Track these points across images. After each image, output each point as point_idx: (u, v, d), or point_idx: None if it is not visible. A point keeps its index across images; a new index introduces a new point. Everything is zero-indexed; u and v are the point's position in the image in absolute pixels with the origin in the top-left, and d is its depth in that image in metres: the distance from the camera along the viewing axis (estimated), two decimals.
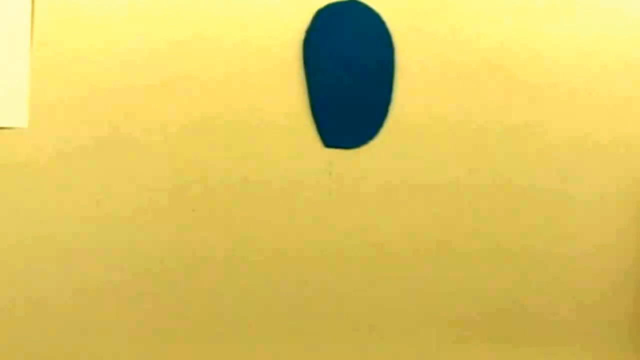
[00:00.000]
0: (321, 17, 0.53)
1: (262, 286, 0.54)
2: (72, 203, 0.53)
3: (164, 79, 0.54)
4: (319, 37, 0.53)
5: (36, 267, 0.53)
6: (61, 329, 0.52)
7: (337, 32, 0.53)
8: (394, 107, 0.52)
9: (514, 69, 0.55)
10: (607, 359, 0.55)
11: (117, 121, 0.53)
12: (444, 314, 0.55)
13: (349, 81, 0.52)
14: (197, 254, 0.54)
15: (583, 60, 0.55)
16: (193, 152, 0.54)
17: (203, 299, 0.54)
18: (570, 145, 0.55)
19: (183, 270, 0.54)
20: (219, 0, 0.54)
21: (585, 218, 0.55)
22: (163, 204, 0.52)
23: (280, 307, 0.54)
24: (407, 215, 0.54)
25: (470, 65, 0.54)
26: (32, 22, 0.53)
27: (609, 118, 0.55)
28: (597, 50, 0.55)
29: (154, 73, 0.54)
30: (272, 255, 0.54)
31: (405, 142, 0.53)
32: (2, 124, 0.53)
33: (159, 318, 0.54)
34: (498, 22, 0.54)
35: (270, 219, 0.54)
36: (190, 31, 0.54)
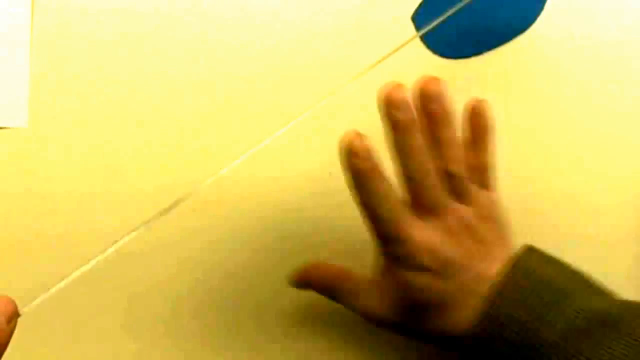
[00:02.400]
0: None
1: (262, 287, 0.54)
2: (72, 203, 0.53)
3: (166, 78, 0.54)
4: None
5: (36, 268, 0.53)
6: (61, 329, 0.52)
7: None
8: None
9: (516, 67, 0.55)
10: None
11: (117, 121, 0.53)
12: None
13: None
14: (197, 254, 0.54)
15: (583, 58, 0.55)
16: (194, 151, 0.54)
17: (203, 299, 0.54)
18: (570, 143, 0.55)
19: (183, 269, 0.54)
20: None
21: (588, 218, 0.55)
22: (163, 204, 0.52)
23: (280, 306, 0.54)
24: None
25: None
26: (32, 22, 0.53)
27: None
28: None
29: (155, 73, 0.54)
30: (272, 255, 0.54)
31: None
32: (2, 124, 0.53)
33: (158, 318, 0.54)
34: None
35: (270, 219, 0.54)
36: (191, 31, 0.54)
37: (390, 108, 0.41)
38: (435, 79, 0.42)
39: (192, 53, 0.53)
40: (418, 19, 0.53)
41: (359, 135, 0.41)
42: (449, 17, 0.50)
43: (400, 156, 0.43)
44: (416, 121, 0.42)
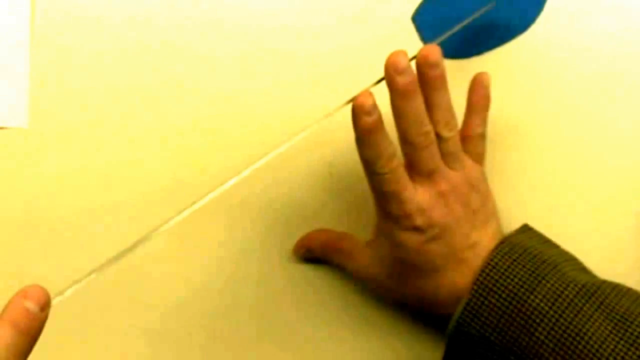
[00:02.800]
0: None
1: (263, 287, 0.54)
2: (73, 203, 0.53)
3: (165, 78, 0.54)
4: None
5: (35, 268, 0.53)
6: (61, 331, 0.52)
7: None
8: None
9: (515, 67, 0.55)
10: None
11: (118, 121, 0.53)
12: None
13: None
14: (196, 255, 0.54)
15: (582, 58, 0.55)
16: (194, 152, 0.54)
17: (204, 300, 0.54)
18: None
19: (183, 270, 0.54)
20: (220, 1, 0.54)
21: (585, 219, 0.55)
22: (163, 204, 0.52)
23: (281, 307, 0.54)
24: None
25: None
26: (32, 22, 0.53)
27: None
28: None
29: (155, 73, 0.54)
30: (272, 255, 0.54)
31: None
32: (2, 124, 0.53)
33: (158, 319, 0.54)
34: None
35: (270, 219, 0.54)
36: (191, 31, 0.54)
37: (393, 73, 0.44)
38: (435, 48, 0.46)
39: (193, 52, 0.53)
40: (418, 19, 0.53)
41: (369, 94, 0.44)
42: (448, 17, 0.50)
43: (401, 120, 0.46)
44: (417, 86, 0.45)
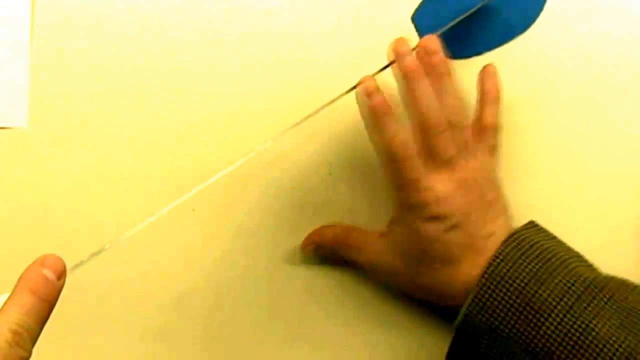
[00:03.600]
0: None
1: (261, 286, 0.54)
2: (72, 203, 0.53)
3: (165, 78, 0.54)
4: None
5: None
6: (60, 329, 0.52)
7: None
8: None
9: (516, 67, 0.55)
10: None
11: (117, 121, 0.54)
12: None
13: None
14: (197, 254, 0.54)
15: (583, 58, 0.55)
16: (193, 151, 0.54)
17: (203, 299, 0.54)
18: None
19: (187, 268, 0.54)
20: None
21: (586, 218, 0.55)
22: (162, 202, 0.52)
23: (281, 307, 0.54)
24: None
25: None
26: (32, 22, 0.53)
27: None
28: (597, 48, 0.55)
29: (154, 73, 0.54)
30: (272, 255, 0.54)
31: None
32: (2, 124, 0.53)
33: (158, 319, 0.54)
34: None
35: (273, 217, 0.54)
36: (190, 32, 0.54)
37: (399, 58, 0.45)
38: (433, 37, 0.46)
39: (192, 52, 0.54)
40: (418, 19, 0.53)
41: (371, 77, 0.45)
42: (448, 18, 0.50)
43: (416, 105, 0.46)
44: (423, 70, 0.46)
